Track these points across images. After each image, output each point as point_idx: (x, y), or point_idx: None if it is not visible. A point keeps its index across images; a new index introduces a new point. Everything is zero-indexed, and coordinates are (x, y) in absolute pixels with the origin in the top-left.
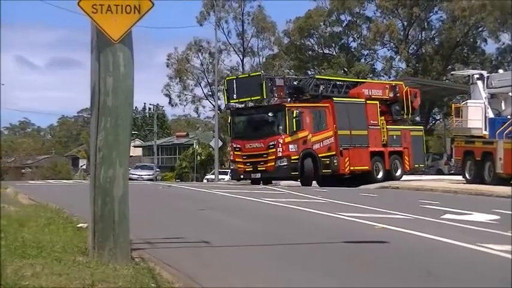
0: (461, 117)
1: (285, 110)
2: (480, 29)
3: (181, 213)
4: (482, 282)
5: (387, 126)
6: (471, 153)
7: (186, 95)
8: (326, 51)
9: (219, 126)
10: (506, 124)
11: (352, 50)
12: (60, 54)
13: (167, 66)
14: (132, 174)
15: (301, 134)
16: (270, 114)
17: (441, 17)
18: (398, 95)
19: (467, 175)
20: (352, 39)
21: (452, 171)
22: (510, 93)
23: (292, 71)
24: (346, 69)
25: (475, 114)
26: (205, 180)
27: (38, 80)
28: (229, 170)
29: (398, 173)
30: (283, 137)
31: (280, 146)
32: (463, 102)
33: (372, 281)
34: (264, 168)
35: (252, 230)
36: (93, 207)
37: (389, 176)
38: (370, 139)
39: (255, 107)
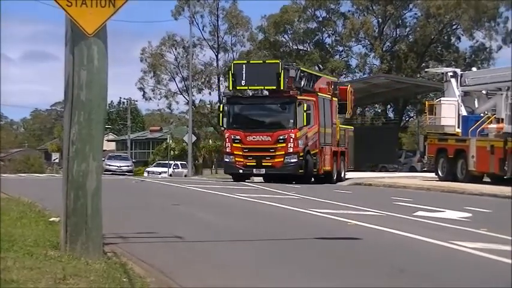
0: (435, 114)
1: (296, 102)
2: (454, 27)
3: (154, 207)
4: (454, 279)
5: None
6: (444, 151)
7: (160, 89)
8: (300, 47)
9: (193, 121)
10: (479, 122)
11: (327, 46)
12: (34, 47)
13: (141, 60)
14: (110, 165)
15: (305, 130)
16: (280, 105)
17: (416, 14)
18: (337, 92)
19: (440, 172)
20: (327, 35)
21: (425, 169)
22: (483, 91)
23: None
24: (320, 66)
25: (449, 112)
26: (145, 174)
27: (12, 73)
28: (223, 163)
29: (342, 174)
30: (294, 132)
31: (291, 141)
32: (437, 100)
33: (345, 278)
34: (270, 164)
35: (224, 225)
36: (66, 201)
37: (338, 177)
38: (333, 138)
39: (261, 96)
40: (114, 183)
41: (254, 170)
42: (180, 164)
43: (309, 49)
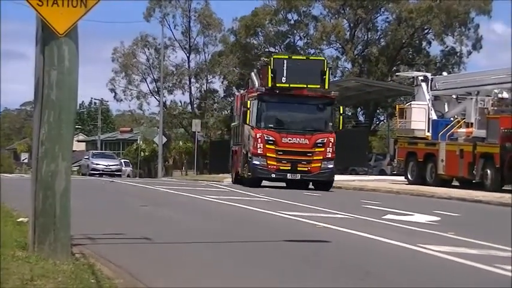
0: (405, 118)
1: (334, 104)
2: (426, 32)
3: (124, 208)
4: (421, 282)
5: None
6: (414, 154)
7: (131, 90)
8: (272, 49)
9: (164, 122)
10: (448, 126)
11: (298, 49)
12: (3, 46)
13: (112, 60)
14: (97, 164)
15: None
16: (319, 106)
17: (387, 18)
18: None
19: (409, 176)
20: (298, 38)
21: (395, 172)
22: (453, 96)
23: (238, 68)
24: None
25: (419, 116)
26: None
27: None
28: (248, 167)
29: None
30: (332, 136)
31: (330, 146)
32: (407, 104)
33: (312, 280)
34: (306, 169)
35: (193, 227)
36: (34, 201)
37: None
38: None
39: (299, 94)
40: (84, 184)
41: (288, 174)
42: (124, 162)
43: (280, 51)
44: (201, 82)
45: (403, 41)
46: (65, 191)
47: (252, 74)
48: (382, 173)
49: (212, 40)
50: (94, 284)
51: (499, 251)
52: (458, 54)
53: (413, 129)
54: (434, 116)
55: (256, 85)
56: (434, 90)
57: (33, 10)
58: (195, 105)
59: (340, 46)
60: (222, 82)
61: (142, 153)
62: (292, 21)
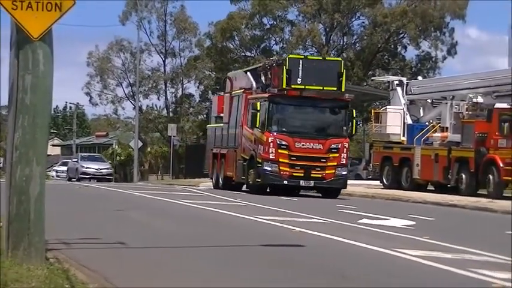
0: (381, 122)
1: (349, 107)
2: (401, 36)
3: (99, 213)
4: (397, 286)
5: None
6: (389, 159)
7: (106, 94)
8: (248, 53)
9: (140, 126)
10: (424, 130)
11: (274, 53)
12: None
13: (88, 64)
14: (87, 168)
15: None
16: (334, 109)
17: (363, 23)
18: None
19: (384, 180)
20: (274, 42)
21: (371, 176)
22: (428, 100)
23: (214, 73)
24: None
25: (394, 120)
26: (53, 173)
27: None
28: (256, 172)
29: None
30: (347, 141)
31: (344, 151)
32: (383, 108)
33: (286, 284)
34: (320, 176)
35: (169, 231)
36: (8, 206)
37: None
38: None
39: (312, 97)
40: (58, 189)
41: (301, 181)
42: None
43: (256, 56)
44: (176, 86)
45: (379, 46)
46: (40, 195)
47: (248, 73)
48: (358, 177)
49: (188, 44)
50: None
51: (474, 255)
52: (433, 58)
53: (388, 133)
54: (409, 121)
55: (254, 85)
56: (410, 94)
57: (7, 14)
58: (170, 110)
59: (316, 50)
60: (198, 87)
61: (117, 157)
62: (267, 26)
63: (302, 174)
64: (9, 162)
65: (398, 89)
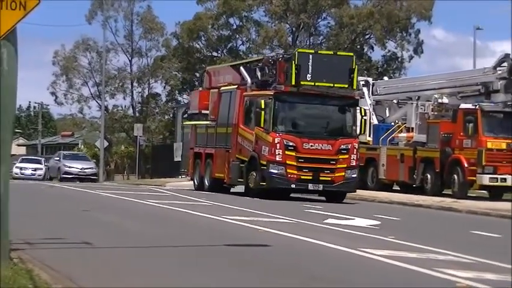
0: None
1: (357, 105)
2: (367, 37)
3: (64, 213)
4: (362, 286)
5: None
6: None
7: (72, 93)
8: (214, 53)
9: (105, 126)
10: (389, 131)
11: (241, 53)
12: None
13: (53, 64)
14: (70, 167)
15: None
16: (343, 108)
17: (329, 23)
18: None
19: None
20: (240, 42)
21: None
22: (394, 101)
23: (180, 73)
24: None
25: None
26: (16, 170)
27: None
28: (261, 175)
29: None
30: (356, 141)
31: (354, 152)
32: None
33: (252, 284)
34: (329, 179)
35: (135, 232)
36: None
37: None
38: None
39: (320, 94)
40: (23, 189)
41: (310, 185)
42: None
43: (222, 56)
44: (143, 86)
45: (345, 46)
46: (4, 196)
47: (241, 68)
48: None
49: (155, 44)
50: None
51: (439, 255)
52: (399, 59)
53: None
54: (375, 121)
55: (249, 81)
56: (376, 94)
57: None
58: (137, 110)
59: (282, 51)
60: (165, 87)
61: None
62: (234, 26)
63: (310, 177)
64: None
65: (365, 89)
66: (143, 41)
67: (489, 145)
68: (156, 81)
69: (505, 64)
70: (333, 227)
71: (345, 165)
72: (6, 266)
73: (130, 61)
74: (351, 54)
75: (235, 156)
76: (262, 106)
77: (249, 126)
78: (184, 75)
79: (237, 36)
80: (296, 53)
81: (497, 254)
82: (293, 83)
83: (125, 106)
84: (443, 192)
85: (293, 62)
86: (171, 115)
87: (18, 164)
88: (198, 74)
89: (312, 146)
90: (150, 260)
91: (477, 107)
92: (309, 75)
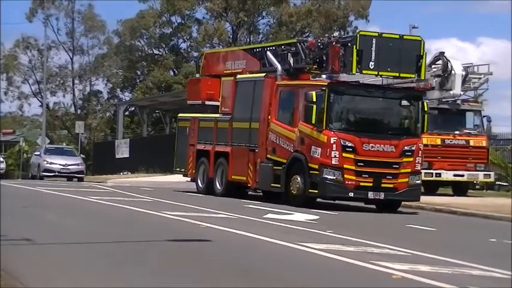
0: None
1: (422, 99)
2: (306, 35)
3: (3, 209)
4: (300, 279)
5: None
6: None
7: (12, 91)
8: (156, 51)
9: (47, 123)
10: None
11: (182, 51)
12: None
13: None
14: (50, 163)
15: None
16: (410, 102)
17: (269, 21)
18: None
19: None
20: (182, 40)
21: None
22: None
23: (121, 71)
24: (174, 70)
25: None
26: None
27: None
28: (313, 180)
29: None
30: (421, 141)
31: (419, 155)
32: None
33: (192, 278)
34: (392, 186)
35: (76, 228)
36: None
37: None
38: None
39: (379, 86)
40: None
41: (370, 193)
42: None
43: (164, 54)
44: (84, 84)
45: None
46: None
47: (268, 53)
48: None
49: (96, 42)
50: None
51: (375, 248)
52: None
53: None
54: None
55: (279, 68)
56: None
57: None
58: (78, 107)
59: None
60: (106, 84)
61: (25, 154)
62: (175, 24)
63: (371, 184)
64: None
65: None
66: (85, 39)
67: (424, 141)
68: (97, 79)
69: (440, 62)
70: (272, 222)
71: (409, 170)
72: None
73: (71, 59)
74: (419, 38)
75: (266, 157)
76: (314, 99)
77: (287, 122)
78: (126, 73)
79: (179, 34)
80: (358, 35)
81: (431, 247)
82: (353, 72)
83: (67, 104)
84: None
85: (354, 46)
86: (113, 112)
87: None
88: (139, 72)
89: (373, 147)
90: (91, 256)
91: None
92: (372, 63)
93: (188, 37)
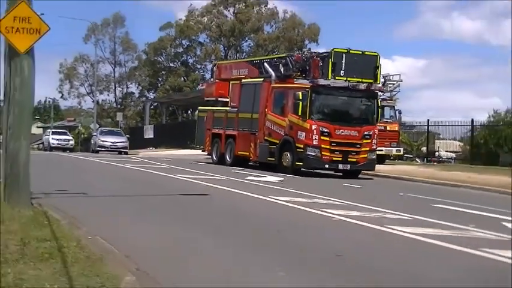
0: None
1: (377, 98)
2: (275, 53)
3: (67, 174)
4: (272, 219)
5: None
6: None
7: (73, 92)
8: (171, 64)
9: (97, 114)
10: None
11: (190, 64)
12: None
13: (59, 72)
14: (104, 141)
15: None
16: (366, 99)
17: (250, 44)
18: None
19: None
20: (189, 57)
21: None
22: None
23: (148, 78)
24: (184, 78)
25: None
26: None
27: None
28: (300, 156)
29: None
30: (376, 128)
31: (375, 138)
32: None
33: (197, 220)
34: (355, 160)
35: (116, 187)
36: (5, 169)
37: None
38: None
39: (347, 87)
40: (40, 157)
41: (340, 165)
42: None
43: (177, 66)
44: (122, 87)
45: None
46: (26, 161)
47: (265, 63)
48: None
49: (130, 58)
50: (46, 224)
51: (322, 200)
52: None
53: None
54: None
55: (273, 75)
56: None
57: (2, 36)
58: (118, 103)
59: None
60: (137, 87)
61: (82, 135)
62: (185, 46)
63: (340, 159)
64: (4, 139)
65: None
66: (122, 56)
67: None
68: (131, 84)
69: None
70: (252, 182)
71: (368, 148)
72: (28, 209)
73: (113, 69)
74: (376, 53)
75: (264, 139)
76: (300, 97)
77: (279, 113)
78: (151, 80)
79: (188, 53)
80: (333, 52)
81: (361, 199)
82: (329, 78)
83: (111, 100)
84: None
85: (330, 59)
86: (142, 106)
87: (53, 136)
88: (160, 79)
89: (342, 132)
90: (129, 206)
91: None
92: (342, 71)
93: (194, 55)
